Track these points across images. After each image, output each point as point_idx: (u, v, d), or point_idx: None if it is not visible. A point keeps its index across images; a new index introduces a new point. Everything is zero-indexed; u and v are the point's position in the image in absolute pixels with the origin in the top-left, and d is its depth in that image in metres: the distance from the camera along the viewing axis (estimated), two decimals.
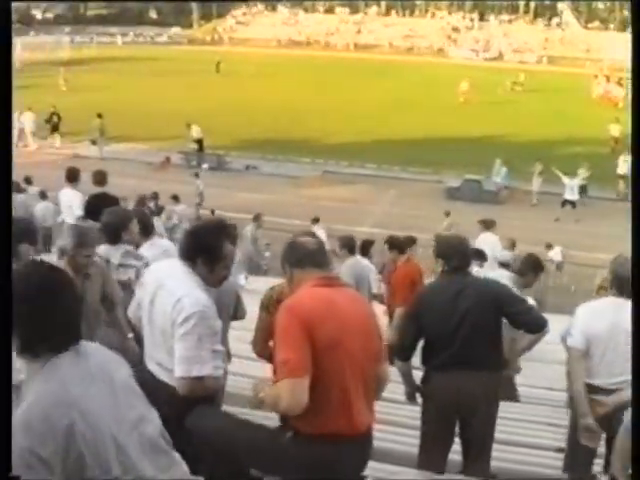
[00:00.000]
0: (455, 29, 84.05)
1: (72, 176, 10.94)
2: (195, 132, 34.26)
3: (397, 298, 9.89)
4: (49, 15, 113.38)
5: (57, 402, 2.66)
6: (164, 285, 4.28)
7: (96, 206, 10.74)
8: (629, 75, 16.47)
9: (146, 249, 6.95)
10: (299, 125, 40.25)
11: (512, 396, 8.18)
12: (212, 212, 21.29)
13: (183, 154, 33.85)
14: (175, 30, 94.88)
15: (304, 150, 34.83)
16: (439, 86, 55.42)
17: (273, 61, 60.73)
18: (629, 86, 32.86)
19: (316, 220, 20.71)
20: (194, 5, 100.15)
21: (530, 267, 7.87)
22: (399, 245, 10.75)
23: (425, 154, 33.67)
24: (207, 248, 4.35)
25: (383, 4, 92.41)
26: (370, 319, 4.12)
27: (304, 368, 3.70)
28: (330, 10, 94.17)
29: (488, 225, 15.65)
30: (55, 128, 36.51)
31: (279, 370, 3.79)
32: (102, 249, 6.35)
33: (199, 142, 34.30)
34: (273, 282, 4.74)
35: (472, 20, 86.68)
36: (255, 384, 4.10)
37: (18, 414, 2.62)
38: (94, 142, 34.86)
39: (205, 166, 32.49)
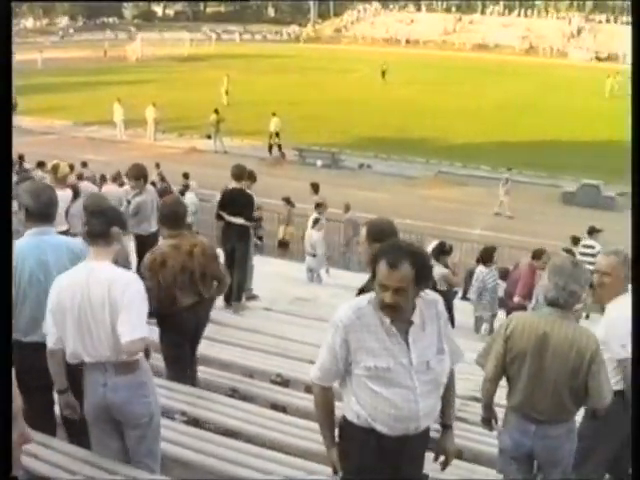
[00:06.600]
0: (579, 31, 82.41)
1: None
2: (274, 124, 34.27)
3: None
4: (169, 12, 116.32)
5: None
6: None
7: (231, 200, 11.15)
8: None
9: None
10: (414, 125, 40.14)
11: None
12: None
13: (298, 151, 34.10)
14: (292, 28, 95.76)
15: (418, 150, 34.67)
16: (558, 88, 54.49)
17: (389, 60, 60.58)
18: None
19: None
20: (312, 4, 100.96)
21: None
22: None
23: (542, 157, 33.10)
24: None
25: (502, 4, 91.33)
26: None
27: None
28: (448, 10, 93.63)
29: (590, 231, 15.70)
30: None
31: None
32: None
33: (276, 135, 34.35)
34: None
35: (591, 21, 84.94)
36: None
37: None
38: (209, 136, 35.63)
39: (319, 163, 32.69)
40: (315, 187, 20.25)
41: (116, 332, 4.59)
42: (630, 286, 5.43)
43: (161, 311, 6.50)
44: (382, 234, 4.70)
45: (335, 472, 4.20)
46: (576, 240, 15.91)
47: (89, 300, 4.60)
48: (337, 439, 4.18)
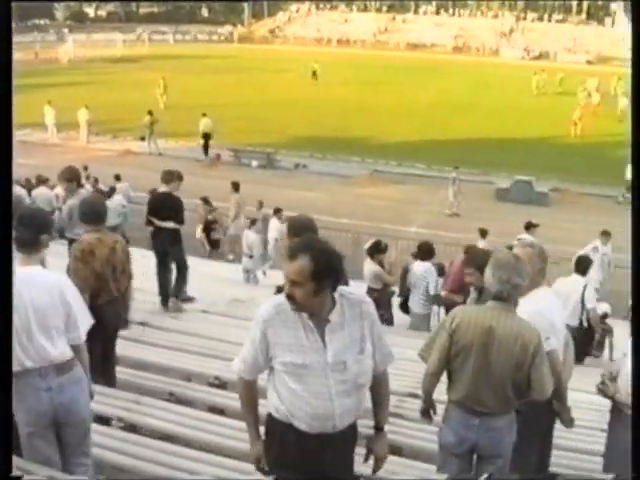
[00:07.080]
0: (511, 30, 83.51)
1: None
2: (203, 125, 34.03)
3: None
4: (102, 13, 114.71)
5: None
6: None
7: (160, 204, 11.17)
8: None
9: None
10: (349, 124, 40.16)
11: None
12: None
13: (233, 151, 33.92)
14: (226, 28, 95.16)
15: (353, 149, 34.83)
16: (490, 86, 55.19)
17: (323, 60, 60.68)
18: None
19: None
20: (246, 4, 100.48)
21: None
22: None
23: (476, 155, 33.42)
24: None
25: (434, 3, 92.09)
26: None
27: None
28: (379, 10, 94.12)
29: (527, 227, 16.05)
30: None
31: None
32: None
33: (206, 136, 34.04)
34: None
35: (524, 19, 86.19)
36: None
37: None
38: (143, 138, 35.26)
39: (255, 164, 32.58)
40: (235, 186, 20.81)
41: (67, 332, 4.76)
42: (548, 282, 5.57)
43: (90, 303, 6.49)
44: (302, 229, 4.79)
45: (258, 468, 4.21)
46: (484, 232, 16.40)
47: (32, 306, 4.56)
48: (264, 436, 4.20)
